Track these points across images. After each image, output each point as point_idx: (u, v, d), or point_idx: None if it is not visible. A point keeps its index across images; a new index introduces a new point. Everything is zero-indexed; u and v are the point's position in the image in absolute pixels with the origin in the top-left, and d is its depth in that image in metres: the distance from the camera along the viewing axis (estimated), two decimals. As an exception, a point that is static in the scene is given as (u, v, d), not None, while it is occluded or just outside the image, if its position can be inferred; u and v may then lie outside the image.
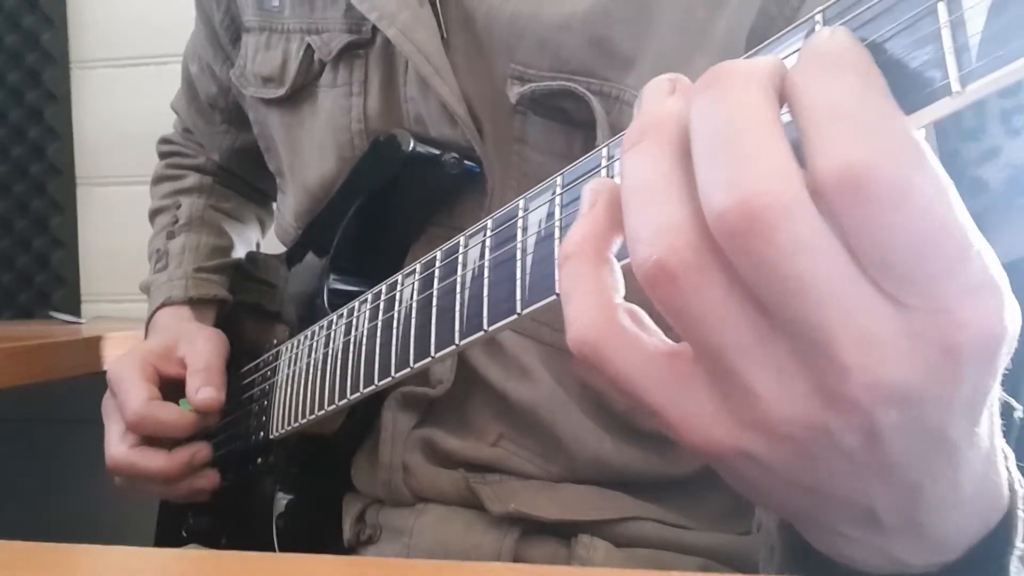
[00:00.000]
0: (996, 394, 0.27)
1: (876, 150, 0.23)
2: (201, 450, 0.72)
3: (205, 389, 0.71)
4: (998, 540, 0.31)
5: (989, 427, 0.28)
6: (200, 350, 0.74)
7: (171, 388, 0.73)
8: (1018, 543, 0.31)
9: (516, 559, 0.61)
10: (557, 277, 0.35)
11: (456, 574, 0.36)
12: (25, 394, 1.01)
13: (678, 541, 0.62)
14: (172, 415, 0.70)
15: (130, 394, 0.70)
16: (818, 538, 0.31)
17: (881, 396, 0.24)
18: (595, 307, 0.28)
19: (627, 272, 0.28)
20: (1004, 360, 0.25)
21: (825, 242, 0.24)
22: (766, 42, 0.30)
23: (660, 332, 0.29)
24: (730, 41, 0.54)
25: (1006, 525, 0.31)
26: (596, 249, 0.29)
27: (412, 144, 0.60)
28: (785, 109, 0.26)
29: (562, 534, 0.61)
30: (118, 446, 0.71)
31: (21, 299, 1.53)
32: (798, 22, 0.28)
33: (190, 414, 0.70)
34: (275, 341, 0.74)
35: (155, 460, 0.70)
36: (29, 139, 1.51)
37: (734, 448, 0.27)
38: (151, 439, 0.71)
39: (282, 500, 0.70)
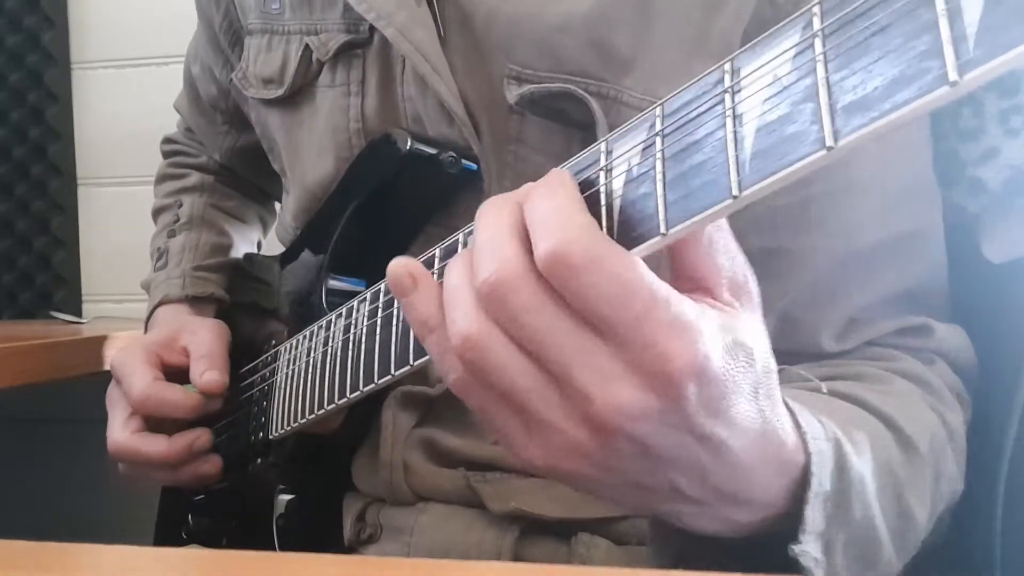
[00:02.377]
0: (758, 392, 0.36)
1: (567, 236, 0.33)
2: (202, 436, 0.72)
3: (210, 372, 0.71)
4: (801, 488, 0.39)
5: (757, 416, 0.36)
6: (202, 339, 0.74)
7: (174, 377, 0.73)
8: (813, 489, 0.39)
9: (516, 557, 0.61)
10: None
11: (456, 573, 0.36)
12: (27, 394, 1.01)
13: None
14: (177, 394, 0.70)
15: (135, 376, 0.71)
16: (666, 516, 0.41)
17: (625, 415, 0.34)
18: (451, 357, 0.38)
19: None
20: (733, 375, 0.34)
21: (545, 302, 0.34)
22: (764, 34, 0.30)
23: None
24: (726, 43, 0.54)
25: (806, 473, 0.39)
26: (441, 312, 0.39)
27: (410, 143, 0.60)
28: None
29: (562, 532, 0.61)
30: (121, 432, 0.71)
31: (22, 299, 1.53)
32: (795, 15, 0.29)
33: (195, 395, 0.71)
34: (273, 342, 0.74)
35: (156, 445, 0.71)
36: (30, 140, 1.51)
37: (551, 466, 0.37)
38: (154, 426, 0.72)
39: (282, 500, 0.70)
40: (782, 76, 0.29)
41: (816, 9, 0.27)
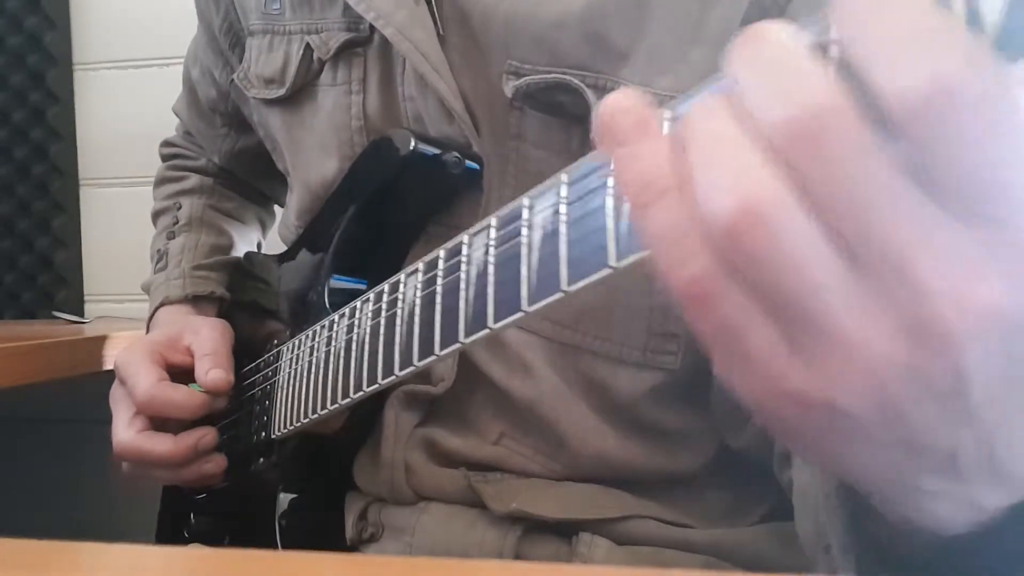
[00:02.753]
0: None
1: (959, 61, 0.22)
2: (207, 435, 0.72)
3: (215, 371, 0.71)
4: None
5: None
6: (206, 337, 0.74)
7: (178, 377, 0.73)
8: None
9: (518, 557, 0.62)
10: (564, 274, 0.36)
11: (456, 572, 0.36)
12: (28, 394, 1.01)
13: (680, 539, 0.62)
14: (182, 394, 0.70)
15: (140, 376, 0.71)
16: (895, 499, 0.29)
17: (974, 321, 0.23)
18: (702, 245, 0.26)
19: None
20: None
21: (885, 156, 0.23)
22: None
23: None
24: (724, 32, 0.54)
25: None
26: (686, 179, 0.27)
27: (413, 144, 0.60)
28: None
29: (563, 533, 0.62)
30: (125, 431, 0.71)
31: (24, 299, 1.53)
32: (808, 19, 0.28)
33: (200, 394, 0.71)
34: (275, 341, 0.74)
35: (161, 444, 0.70)
36: (32, 140, 1.52)
37: (824, 402, 0.25)
38: (158, 425, 0.72)
39: (285, 499, 0.71)
40: None
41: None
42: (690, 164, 0.26)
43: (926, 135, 0.23)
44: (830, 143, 0.23)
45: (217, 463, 0.73)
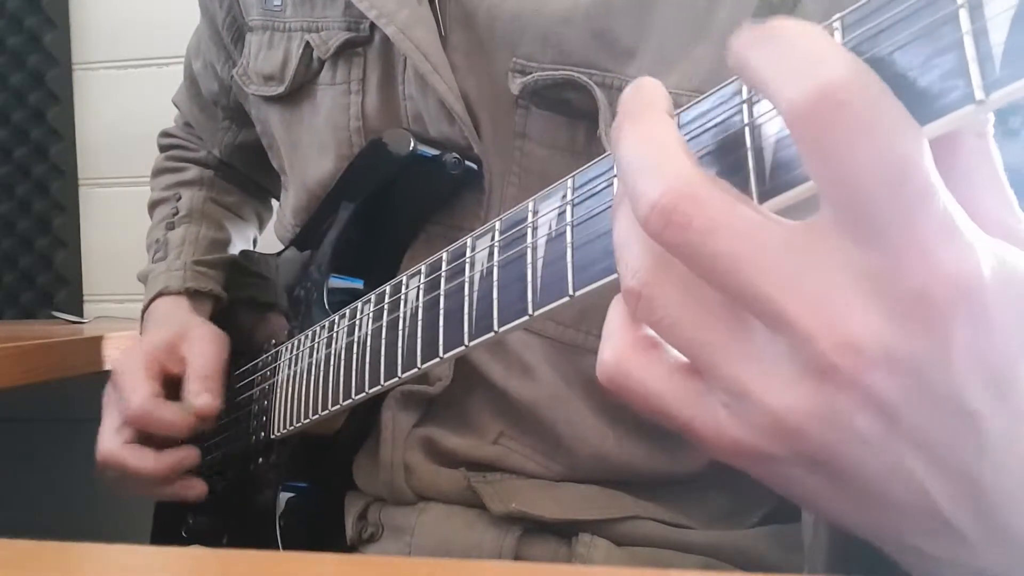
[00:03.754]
0: None
1: (845, 71, 0.23)
2: (189, 455, 0.73)
3: (203, 396, 0.72)
4: None
5: None
6: (199, 353, 0.75)
7: (173, 385, 0.74)
8: None
9: (517, 558, 0.62)
10: (570, 279, 0.36)
11: (456, 573, 0.36)
12: (27, 394, 1.01)
13: (679, 540, 0.62)
14: (171, 413, 0.71)
15: (133, 389, 0.71)
16: (905, 562, 0.28)
17: (860, 356, 0.23)
18: (624, 337, 0.29)
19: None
20: (1012, 310, 0.23)
21: (743, 213, 0.24)
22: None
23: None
24: (731, 29, 0.54)
25: None
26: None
27: (413, 144, 0.60)
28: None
29: (563, 533, 0.61)
30: (111, 441, 0.72)
31: (24, 299, 1.53)
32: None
33: (189, 416, 0.71)
34: (273, 341, 0.74)
35: (144, 460, 0.71)
36: (32, 140, 1.52)
37: (755, 452, 0.26)
38: (145, 437, 0.72)
39: (284, 499, 0.71)
40: None
41: (837, 24, 0.27)
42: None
43: (814, 149, 0.23)
44: (684, 225, 0.25)
45: (196, 488, 0.75)
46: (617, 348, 0.29)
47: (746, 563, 0.61)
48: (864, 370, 0.23)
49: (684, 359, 0.28)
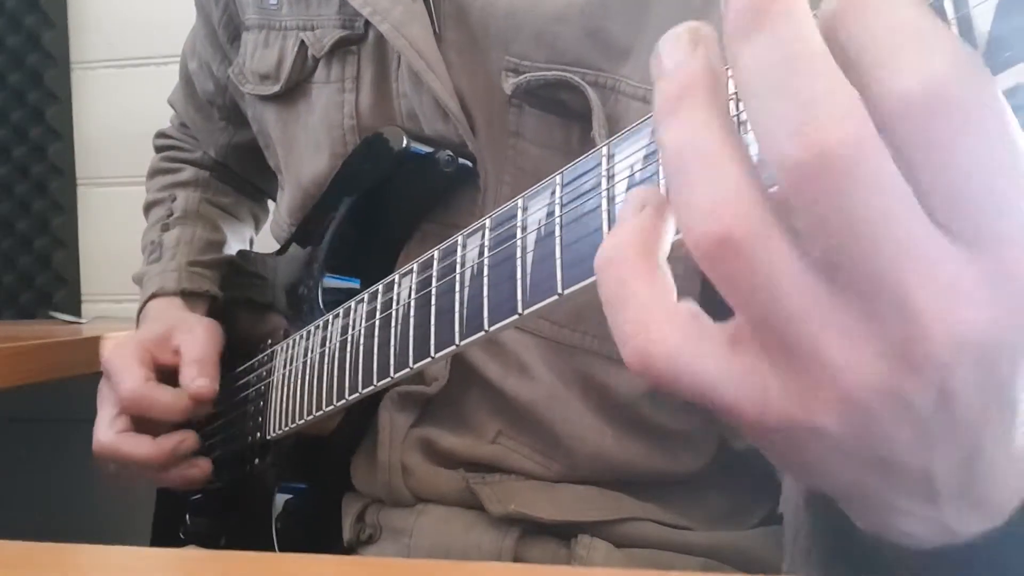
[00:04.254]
0: None
1: (953, 65, 0.21)
2: (187, 438, 0.72)
3: (200, 379, 0.71)
4: None
5: None
6: (194, 340, 0.74)
7: (165, 376, 0.73)
8: None
9: (516, 559, 0.61)
10: (559, 277, 0.35)
11: (456, 574, 0.36)
12: (26, 394, 1.01)
13: (678, 541, 0.62)
14: (168, 396, 0.70)
15: (126, 374, 0.70)
16: (869, 516, 0.29)
17: (963, 351, 0.23)
18: (660, 316, 0.25)
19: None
20: None
21: (900, 184, 0.22)
22: None
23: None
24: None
25: None
26: (645, 251, 0.26)
27: (405, 141, 0.60)
28: None
29: (562, 535, 0.61)
30: (106, 431, 0.71)
31: (22, 299, 1.53)
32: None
33: (185, 399, 0.70)
34: (269, 341, 0.74)
35: (140, 447, 0.70)
36: (30, 140, 1.51)
37: (806, 425, 0.25)
38: (140, 426, 0.72)
39: (281, 500, 0.70)
40: None
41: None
42: (669, 178, 0.25)
43: (919, 139, 0.22)
44: (843, 180, 0.22)
45: (201, 468, 0.73)
46: (652, 326, 0.25)
47: (746, 564, 0.61)
48: (956, 363, 0.23)
49: (723, 330, 0.26)
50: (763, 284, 0.24)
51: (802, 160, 0.22)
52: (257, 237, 0.99)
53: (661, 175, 0.30)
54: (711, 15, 0.54)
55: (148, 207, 0.94)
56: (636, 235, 0.27)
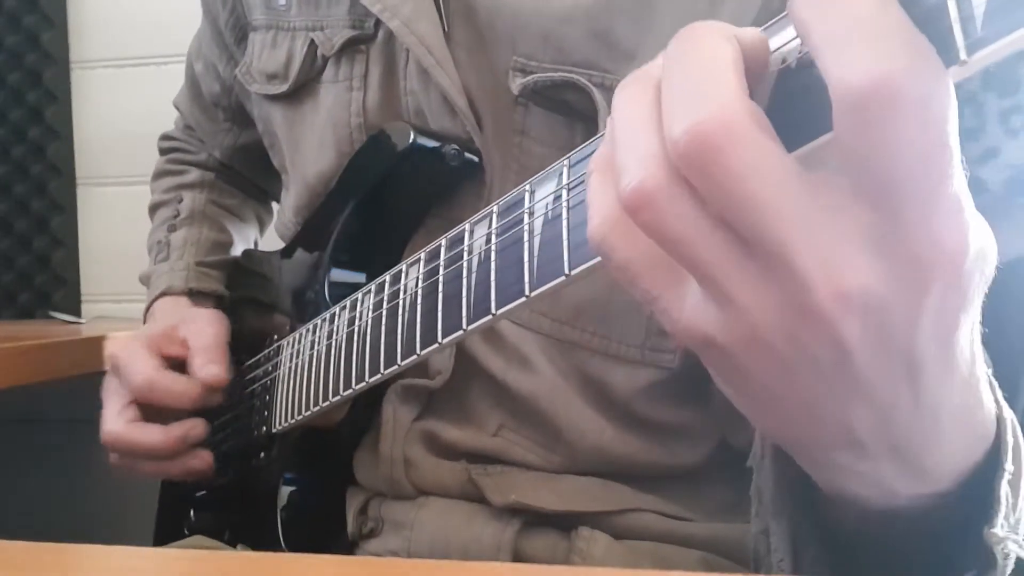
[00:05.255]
0: (974, 328, 0.29)
1: (905, 59, 0.23)
2: (196, 427, 0.72)
3: (210, 366, 0.71)
4: (988, 469, 0.32)
5: (969, 357, 0.29)
6: (201, 330, 0.75)
7: (176, 367, 0.73)
8: (1007, 466, 0.33)
9: (516, 552, 0.62)
10: (566, 258, 0.36)
11: (455, 574, 0.36)
12: (25, 394, 1.01)
13: (679, 533, 0.62)
14: (180, 383, 0.71)
15: (137, 364, 0.71)
16: (813, 468, 0.33)
17: (846, 305, 0.26)
18: (609, 204, 0.30)
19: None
20: (975, 284, 0.27)
21: (776, 161, 0.25)
22: (775, 19, 0.29)
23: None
24: None
25: (994, 453, 0.33)
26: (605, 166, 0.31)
27: (412, 136, 0.60)
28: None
29: (563, 526, 0.62)
30: (115, 421, 0.72)
31: (21, 299, 1.53)
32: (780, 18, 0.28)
33: (196, 385, 0.71)
34: (275, 336, 0.74)
35: (150, 435, 0.71)
36: (29, 139, 1.51)
37: (724, 346, 0.28)
38: (149, 415, 0.72)
39: (286, 493, 0.71)
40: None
41: None
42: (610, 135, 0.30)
43: (855, 128, 0.24)
44: (716, 159, 0.25)
45: (203, 459, 0.73)
46: (606, 216, 0.30)
47: (746, 556, 0.61)
48: (842, 317, 0.26)
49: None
50: (674, 234, 0.27)
51: (681, 139, 0.26)
52: (261, 239, 0.99)
53: None
54: (717, 17, 0.54)
55: (153, 208, 0.95)
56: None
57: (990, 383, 0.32)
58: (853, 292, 0.25)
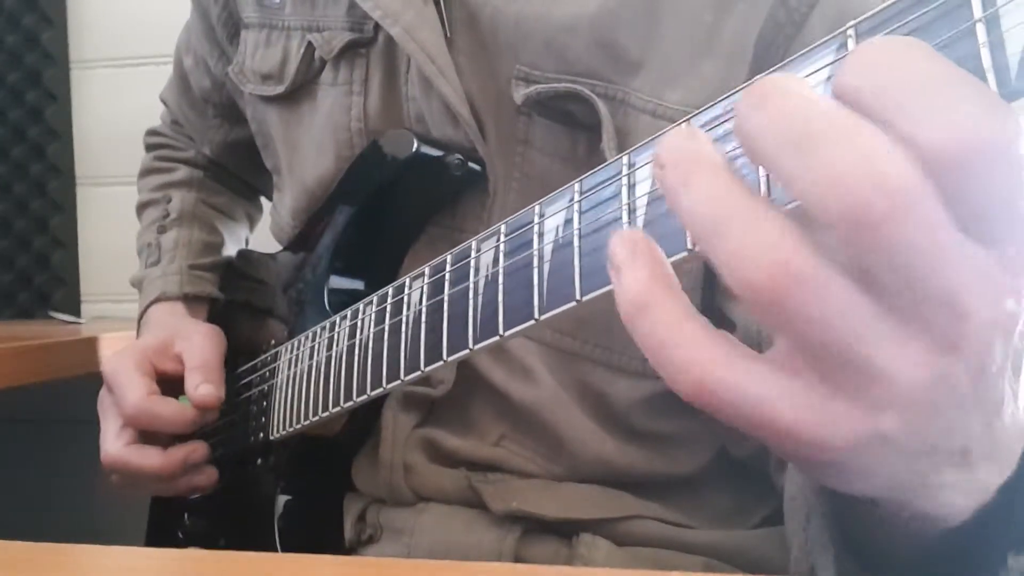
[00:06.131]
0: None
1: (987, 110, 0.23)
2: (197, 449, 0.71)
3: (204, 386, 0.70)
4: None
5: None
6: (197, 346, 0.73)
7: (168, 385, 0.72)
8: None
9: (517, 558, 0.61)
10: (577, 284, 0.35)
11: (456, 574, 0.35)
12: (25, 394, 1.01)
13: (680, 540, 0.62)
14: (171, 410, 0.69)
15: (128, 388, 0.69)
16: (911, 501, 0.30)
17: (997, 328, 0.25)
18: (709, 350, 0.27)
19: None
20: None
21: (942, 218, 0.24)
22: (794, 56, 0.29)
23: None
24: (737, 45, 0.54)
25: None
26: (672, 290, 0.28)
27: (416, 145, 0.60)
28: None
29: (563, 533, 0.61)
30: (114, 443, 0.70)
31: (21, 299, 1.53)
32: (828, 36, 0.28)
33: (189, 410, 0.69)
34: (272, 342, 0.73)
35: (151, 458, 0.69)
36: (29, 139, 1.51)
37: (872, 434, 0.26)
38: (148, 436, 0.71)
39: (282, 501, 0.70)
40: None
41: (851, 31, 0.27)
42: (704, 236, 0.26)
43: (961, 182, 0.23)
44: (896, 223, 0.23)
45: (209, 475, 0.73)
46: (704, 360, 0.27)
47: (748, 564, 0.61)
48: (992, 338, 0.25)
49: (764, 359, 0.27)
50: (817, 316, 0.25)
51: (847, 211, 0.23)
52: (252, 236, 0.99)
53: None
54: (722, 30, 0.54)
55: (141, 207, 0.93)
56: (658, 276, 0.28)
57: None
58: (1005, 313, 0.25)
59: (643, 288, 0.28)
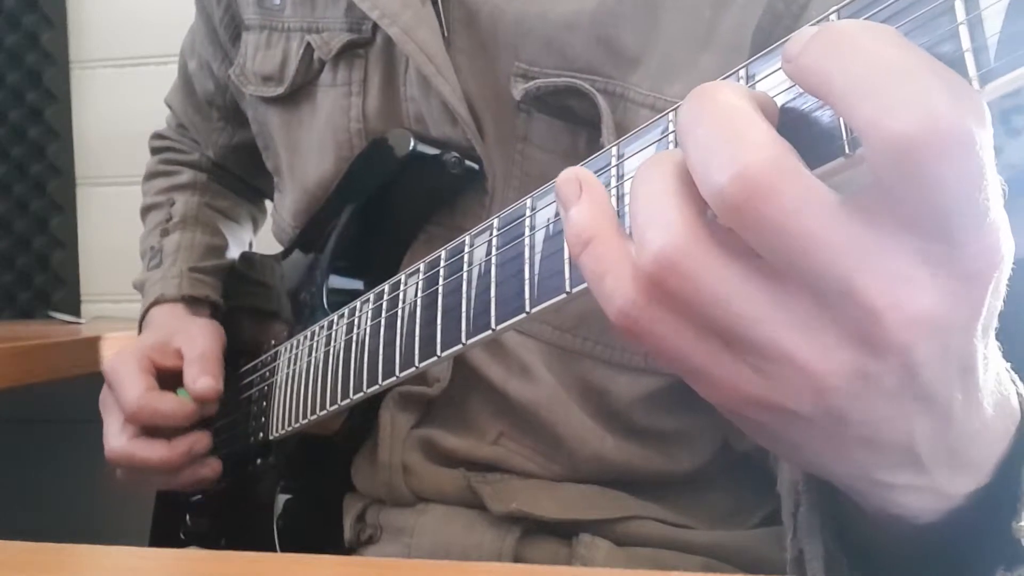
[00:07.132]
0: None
1: (946, 100, 0.23)
2: (201, 439, 0.72)
3: (203, 378, 0.70)
4: (1019, 448, 0.32)
5: (995, 346, 0.30)
6: (196, 340, 0.73)
7: (168, 380, 0.72)
8: None
9: (517, 559, 0.61)
10: (567, 275, 0.35)
11: (456, 574, 0.35)
12: (25, 394, 1.01)
13: (680, 540, 0.62)
14: (171, 404, 0.70)
15: (127, 385, 0.70)
16: (867, 494, 0.31)
17: (917, 329, 0.25)
18: (630, 279, 0.28)
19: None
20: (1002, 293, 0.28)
21: (825, 195, 0.25)
22: (779, 42, 0.29)
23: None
24: (736, 39, 0.54)
25: (1019, 436, 0.33)
26: (613, 225, 0.29)
27: (413, 144, 0.60)
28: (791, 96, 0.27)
29: (563, 533, 0.61)
30: (117, 438, 0.71)
31: (21, 299, 1.53)
32: (813, 21, 0.28)
33: (189, 403, 0.70)
34: (273, 341, 0.73)
35: (155, 451, 0.70)
36: (29, 139, 1.51)
37: (778, 407, 0.27)
38: (150, 432, 0.71)
39: (282, 501, 0.70)
40: None
41: (833, 16, 0.27)
42: (630, 213, 0.29)
43: (905, 172, 0.24)
44: (768, 199, 0.25)
45: (212, 467, 0.73)
46: (629, 296, 0.28)
47: (748, 563, 0.61)
48: (913, 341, 0.26)
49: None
50: (710, 300, 0.27)
51: (727, 187, 0.25)
52: (256, 238, 0.99)
53: None
54: (720, 24, 0.54)
55: (145, 210, 0.93)
56: (602, 211, 0.30)
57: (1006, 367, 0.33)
58: (921, 315, 0.25)
59: (587, 222, 0.29)
